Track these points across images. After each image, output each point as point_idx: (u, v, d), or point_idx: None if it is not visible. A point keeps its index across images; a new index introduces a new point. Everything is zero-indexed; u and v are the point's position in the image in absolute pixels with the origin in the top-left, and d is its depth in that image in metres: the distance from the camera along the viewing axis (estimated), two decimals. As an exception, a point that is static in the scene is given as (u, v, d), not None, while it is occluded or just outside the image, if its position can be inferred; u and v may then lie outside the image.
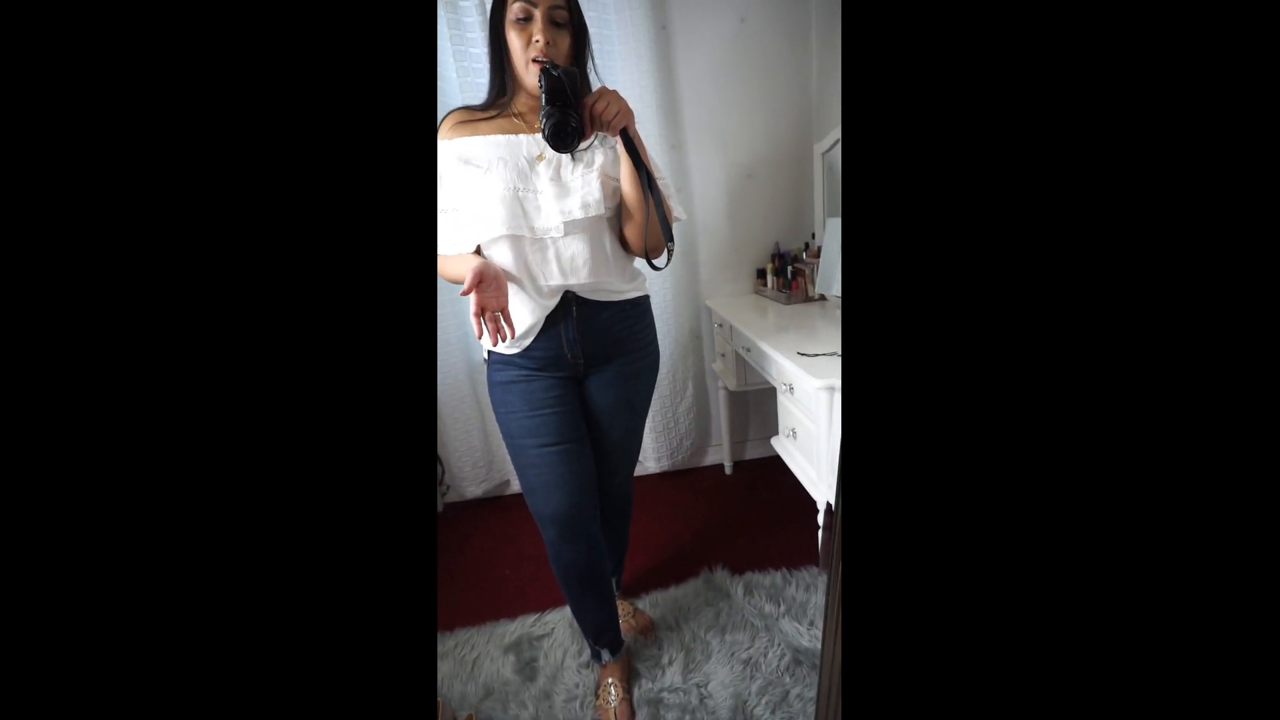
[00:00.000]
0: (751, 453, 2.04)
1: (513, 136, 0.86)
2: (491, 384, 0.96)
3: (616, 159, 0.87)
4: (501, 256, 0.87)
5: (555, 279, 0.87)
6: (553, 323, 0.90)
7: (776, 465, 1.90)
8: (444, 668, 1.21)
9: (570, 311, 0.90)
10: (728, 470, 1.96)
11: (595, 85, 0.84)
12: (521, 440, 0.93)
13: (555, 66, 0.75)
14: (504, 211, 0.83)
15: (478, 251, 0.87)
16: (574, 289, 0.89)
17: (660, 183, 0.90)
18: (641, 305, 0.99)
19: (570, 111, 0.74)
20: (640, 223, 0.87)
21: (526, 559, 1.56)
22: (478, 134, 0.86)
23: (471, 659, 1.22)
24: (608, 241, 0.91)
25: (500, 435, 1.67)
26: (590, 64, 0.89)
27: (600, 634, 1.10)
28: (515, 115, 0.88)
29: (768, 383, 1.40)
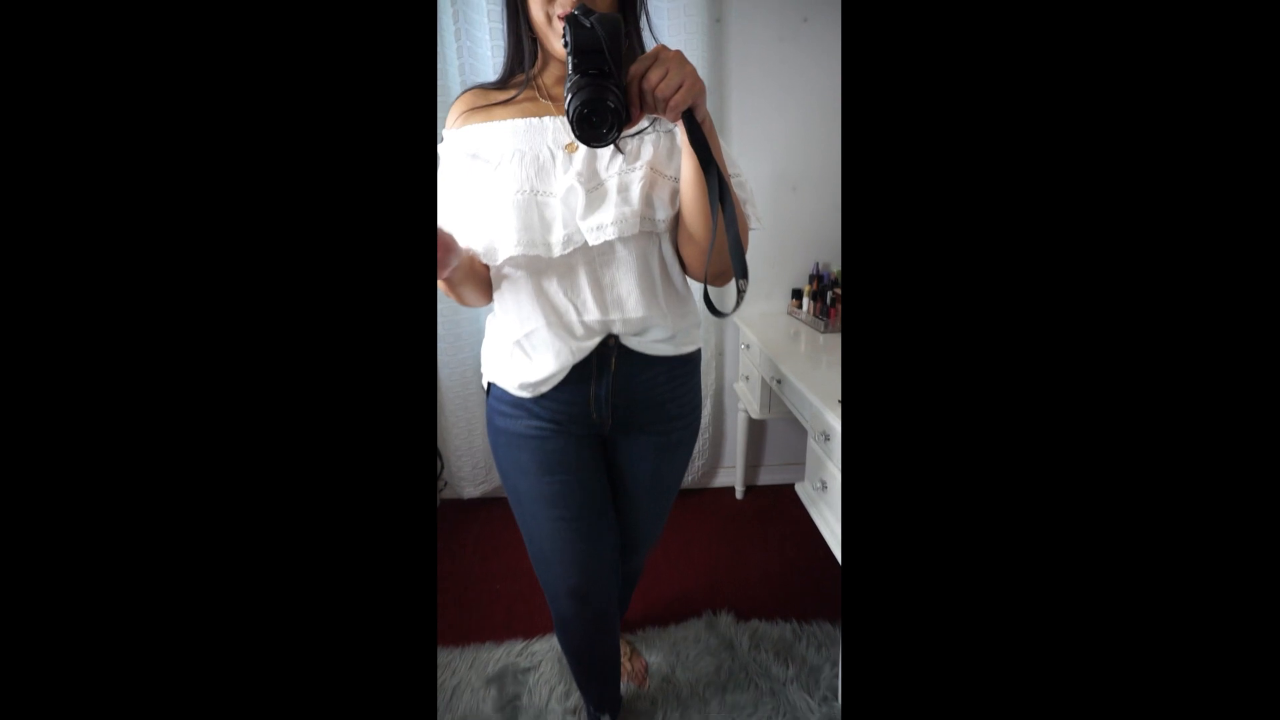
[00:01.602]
0: (765, 478, 1.94)
1: (535, 120, 0.64)
2: (494, 427, 0.76)
3: (674, 150, 0.63)
4: (517, 280, 0.67)
5: (592, 313, 0.67)
6: (582, 373, 0.69)
7: (789, 496, 1.80)
8: (421, 693, 1.14)
9: (608, 365, 0.70)
10: (739, 494, 1.86)
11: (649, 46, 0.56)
12: (532, 506, 0.76)
13: (588, 12, 0.49)
14: (516, 221, 0.61)
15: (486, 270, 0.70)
16: (617, 330, 0.68)
17: (734, 183, 0.63)
18: (693, 362, 0.78)
19: (608, 83, 0.48)
20: (703, 242, 0.61)
21: (520, 573, 1.48)
22: (493, 119, 0.65)
23: (451, 686, 1.15)
24: (657, 266, 0.68)
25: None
26: (642, 13, 0.63)
27: (602, 702, 1.00)
28: (542, 95, 0.66)
29: (789, 412, 1.30)
